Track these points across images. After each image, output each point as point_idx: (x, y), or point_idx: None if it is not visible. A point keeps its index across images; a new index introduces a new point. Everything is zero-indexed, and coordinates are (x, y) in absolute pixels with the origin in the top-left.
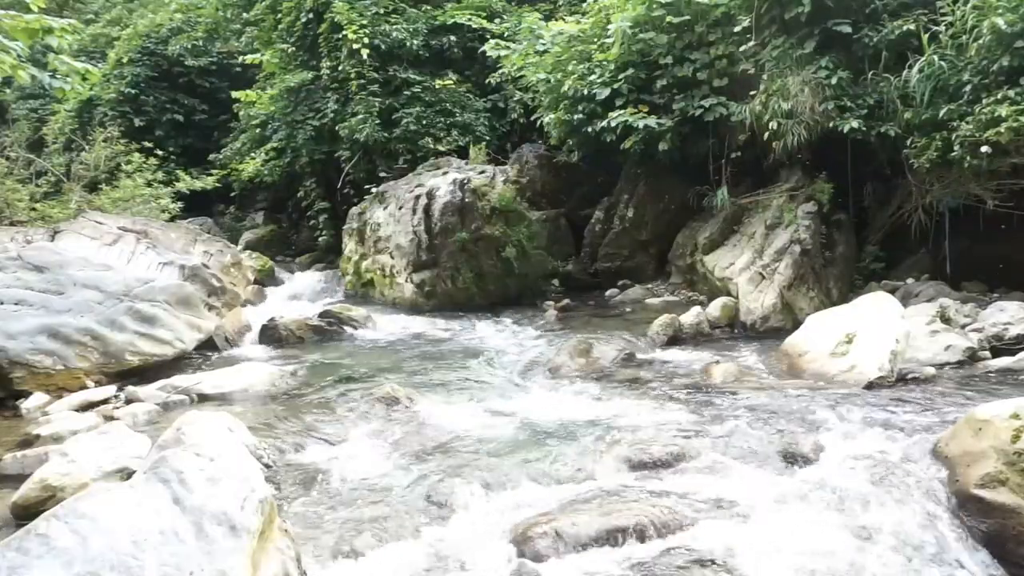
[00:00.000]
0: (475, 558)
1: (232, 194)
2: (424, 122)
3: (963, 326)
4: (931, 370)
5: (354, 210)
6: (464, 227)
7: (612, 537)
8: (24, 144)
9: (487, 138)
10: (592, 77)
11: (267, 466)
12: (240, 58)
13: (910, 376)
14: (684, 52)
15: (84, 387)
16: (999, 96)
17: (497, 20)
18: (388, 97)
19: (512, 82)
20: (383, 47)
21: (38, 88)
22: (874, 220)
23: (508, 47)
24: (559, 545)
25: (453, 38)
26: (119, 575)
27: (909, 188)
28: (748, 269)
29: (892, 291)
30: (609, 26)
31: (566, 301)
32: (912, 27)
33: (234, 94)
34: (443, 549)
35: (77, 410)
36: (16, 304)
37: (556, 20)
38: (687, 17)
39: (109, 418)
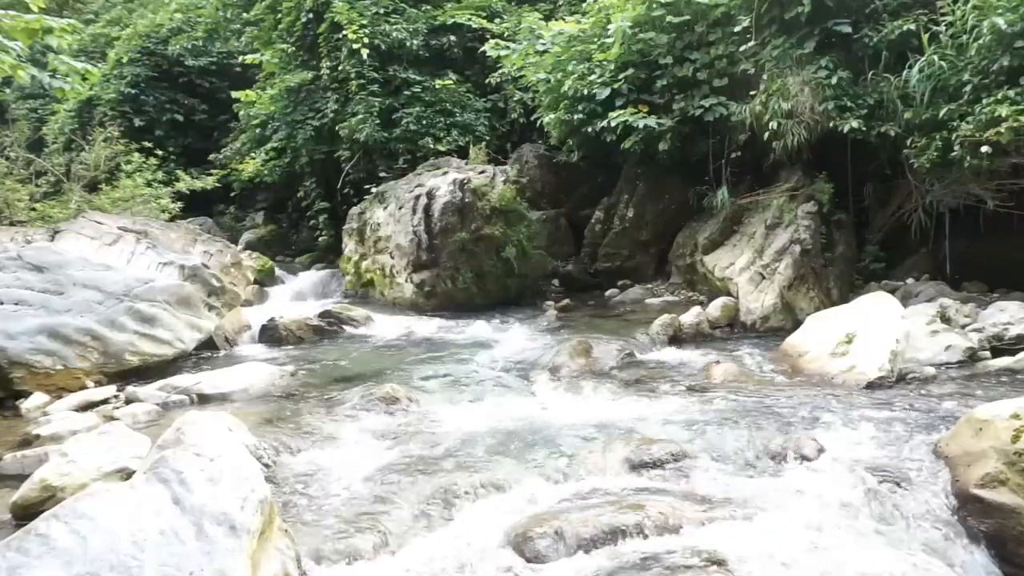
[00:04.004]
0: (475, 558)
1: (232, 194)
2: (424, 122)
3: (963, 326)
4: (931, 370)
5: (354, 210)
6: (464, 227)
7: (612, 537)
8: (24, 144)
9: (487, 138)
10: (592, 77)
11: (267, 466)
12: (240, 58)
13: (910, 376)
14: (684, 52)
15: (84, 387)
16: (999, 96)
17: (497, 20)
18: (388, 97)
19: (512, 82)
20: (383, 47)
21: (38, 88)
22: (874, 220)
23: (508, 47)
24: (559, 545)
25: (453, 38)
26: (119, 575)
27: (909, 188)
28: (748, 269)
29: (892, 291)
30: (609, 26)
31: (566, 301)
32: (912, 27)
33: (234, 94)
34: (443, 549)
35: (77, 410)
36: (16, 304)
37: (556, 20)
38: (687, 17)
39: (109, 418)
